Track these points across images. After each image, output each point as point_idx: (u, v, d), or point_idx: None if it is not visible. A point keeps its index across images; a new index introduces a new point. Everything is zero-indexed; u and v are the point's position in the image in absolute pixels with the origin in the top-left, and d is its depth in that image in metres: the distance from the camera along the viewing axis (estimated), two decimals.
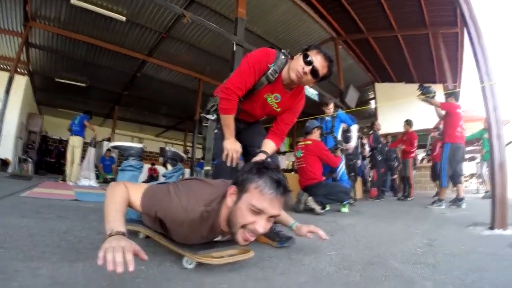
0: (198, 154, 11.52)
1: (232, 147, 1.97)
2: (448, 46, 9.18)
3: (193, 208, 1.25)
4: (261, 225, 1.22)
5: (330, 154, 4.51)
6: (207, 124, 2.16)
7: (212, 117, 2.12)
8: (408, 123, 7.70)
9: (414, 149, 7.82)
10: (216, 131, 2.11)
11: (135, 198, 1.27)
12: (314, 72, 1.87)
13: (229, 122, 1.97)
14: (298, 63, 1.87)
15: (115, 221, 1.10)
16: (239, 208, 1.23)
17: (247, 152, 2.22)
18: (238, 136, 2.13)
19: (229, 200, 1.28)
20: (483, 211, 4.01)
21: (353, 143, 5.46)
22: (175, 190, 1.30)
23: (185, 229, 1.33)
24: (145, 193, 1.29)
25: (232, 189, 1.29)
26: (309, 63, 1.85)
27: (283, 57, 1.96)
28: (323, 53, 1.87)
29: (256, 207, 1.20)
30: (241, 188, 1.25)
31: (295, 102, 2.14)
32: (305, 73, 1.86)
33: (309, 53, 1.87)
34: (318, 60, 1.86)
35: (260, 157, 1.98)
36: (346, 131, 5.55)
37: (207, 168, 2.07)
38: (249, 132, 2.28)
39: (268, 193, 1.20)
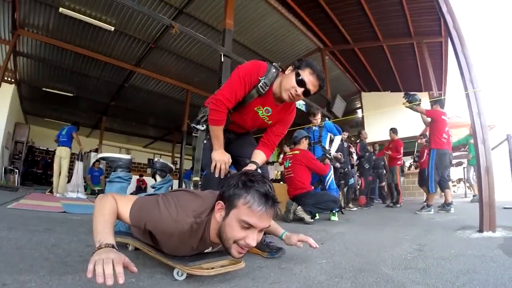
0: (187, 165, 11.44)
1: (220, 158, 1.95)
2: (432, 55, 9.33)
3: (182, 219, 1.24)
4: (253, 239, 1.21)
5: (318, 162, 4.53)
6: (197, 135, 2.13)
7: (202, 127, 2.10)
8: (394, 131, 7.85)
9: (400, 156, 7.93)
10: (205, 141, 2.10)
11: (123, 210, 1.26)
12: (306, 92, 1.87)
13: (218, 133, 1.95)
14: (290, 83, 1.86)
15: (104, 233, 1.08)
16: (228, 224, 1.22)
17: (237, 163, 2.22)
18: (229, 147, 2.13)
19: (218, 215, 1.27)
20: (471, 214, 4.06)
21: (332, 151, 5.50)
22: (164, 201, 1.28)
23: (175, 241, 1.31)
24: (134, 205, 1.27)
25: (220, 204, 1.27)
26: (301, 84, 1.84)
27: (274, 70, 1.94)
28: (316, 74, 1.85)
29: (246, 223, 1.19)
30: (229, 204, 1.23)
31: (286, 115, 2.15)
32: (297, 95, 1.86)
33: (301, 72, 1.85)
34: (311, 81, 1.85)
35: (250, 167, 1.97)
36: (332, 141, 5.61)
37: (196, 178, 2.04)
38: (239, 142, 2.27)
39: (257, 209, 1.19)
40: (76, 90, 11.90)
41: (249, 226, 1.20)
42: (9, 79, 10.50)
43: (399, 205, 7.30)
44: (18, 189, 7.82)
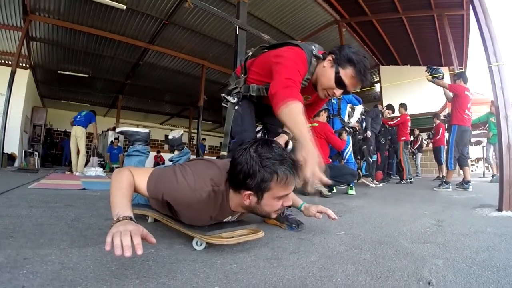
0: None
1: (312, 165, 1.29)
2: (453, 29, 9.04)
3: (200, 188, 1.23)
4: (289, 200, 1.28)
5: (336, 137, 4.50)
6: (227, 105, 2.03)
7: (233, 99, 1.99)
8: (402, 106, 7.69)
9: (407, 132, 7.70)
10: (236, 107, 1.98)
11: (141, 182, 1.25)
12: (345, 92, 1.75)
13: (301, 115, 1.46)
14: (328, 82, 1.71)
15: (122, 206, 1.08)
16: (265, 205, 1.23)
17: (269, 131, 2.19)
18: (262, 113, 2.11)
19: (247, 201, 1.24)
20: (490, 193, 4.03)
21: (353, 119, 5.52)
22: (181, 171, 1.27)
23: (193, 211, 1.31)
24: (150, 177, 1.26)
25: (246, 195, 1.22)
26: (341, 85, 1.70)
27: (314, 61, 1.77)
28: (359, 78, 1.67)
29: (283, 196, 1.24)
30: (260, 190, 1.18)
31: None
32: (334, 94, 1.74)
33: (341, 71, 1.67)
34: (352, 83, 1.69)
35: (283, 138, 1.90)
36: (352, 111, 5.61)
37: (223, 153, 1.94)
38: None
39: (289, 181, 1.19)
40: (91, 70, 12.05)
41: (284, 196, 1.24)
42: (23, 64, 10.71)
43: (403, 182, 7.17)
44: (38, 171, 8.02)
